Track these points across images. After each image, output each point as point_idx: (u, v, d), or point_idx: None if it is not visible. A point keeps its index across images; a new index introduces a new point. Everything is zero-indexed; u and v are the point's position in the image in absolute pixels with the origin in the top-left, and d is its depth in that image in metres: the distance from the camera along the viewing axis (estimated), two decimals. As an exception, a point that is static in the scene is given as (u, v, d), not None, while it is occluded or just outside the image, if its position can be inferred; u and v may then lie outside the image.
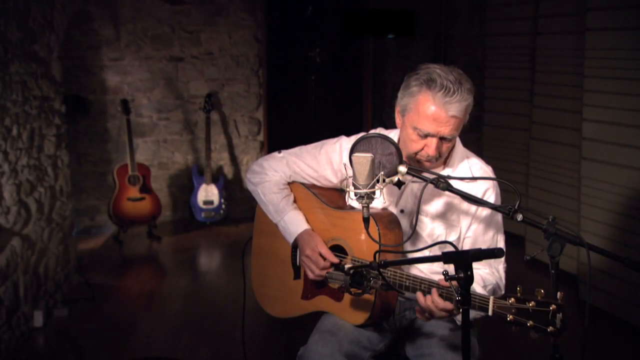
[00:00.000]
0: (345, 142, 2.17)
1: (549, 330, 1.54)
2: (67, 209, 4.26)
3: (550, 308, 1.54)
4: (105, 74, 5.69)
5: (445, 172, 2.03)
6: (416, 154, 1.95)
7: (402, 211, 2.08)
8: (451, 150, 2.04)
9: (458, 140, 2.06)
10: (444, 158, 2.00)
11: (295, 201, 2.26)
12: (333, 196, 2.24)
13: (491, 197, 2.01)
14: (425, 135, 1.91)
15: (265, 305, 2.37)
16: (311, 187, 2.25)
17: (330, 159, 2.18)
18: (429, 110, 1.87)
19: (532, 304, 1.57)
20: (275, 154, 2.29)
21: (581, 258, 4.01)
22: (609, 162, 3.68)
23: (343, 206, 2.20)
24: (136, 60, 5.73)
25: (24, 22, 3.59)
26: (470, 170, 2.04)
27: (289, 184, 2.29)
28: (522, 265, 4.40)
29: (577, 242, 1.66)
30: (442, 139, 1.91)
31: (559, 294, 1.56)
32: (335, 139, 2.21)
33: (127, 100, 5.43)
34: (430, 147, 1.91)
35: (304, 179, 2.25)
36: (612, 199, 3.68)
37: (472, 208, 2.02)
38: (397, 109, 2.00)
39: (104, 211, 5.72)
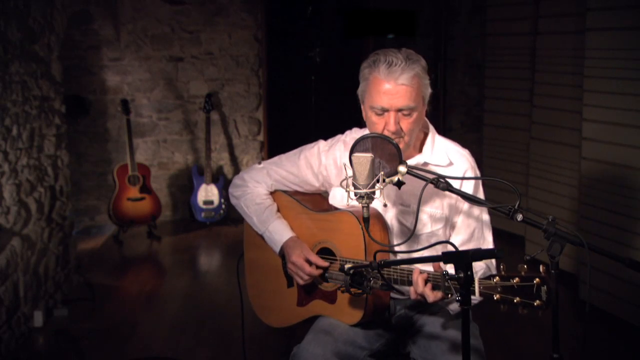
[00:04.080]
0: (322, 145, 2.20)
1: (535, 304, 1.56)
2: (67, 209, 4.26)
3: (535, 282, 1.55)
4: (105, 74, 5.69)
5: (421, 157, 2.05)
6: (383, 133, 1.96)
7: (385, 205, 2.09)
8: (425, 137, 2.08)
9: (432, 128, 2.10)
10: (411, 139, 1.99)
11: (278, 210, 2.27)
12: (316, 200, 2.25)
13: (470, 180, 2.03)
14: (383, 112, 1.93)
15: (264, 316, 2.37)
16: (294, 195, 2.26)
17: (310, 163, 2.19)
18: (378, 85, 1.92)
19: (516, 280, 1.58)
20: (256, 165, 2.32)
21: (581, 258, 4.01)
22: (609, 162, 3.68)
23: (327, 209, 2.21)
24: (136, 60, 5.74)
25: (24, 22, 3.59)
26: (447, 155, 2.06)
27: (271, 193, 2.30)
28: (522, 265, 4.39)
29: (577, 242, 1.66)
30: (399, 111, 1.92)
31: (541, 267, 1.58)
32: (313, 144, 2.23)
33: (127, 100, 5.43)
34: (389, 122, 1.93)
35: (285, 186, 2.27)
36: (612, 199, 3.68)
37: (453, 198, 2.04)
38: (360, 100, 2.03)
39: (104, 211, 5.72)
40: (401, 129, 1.94)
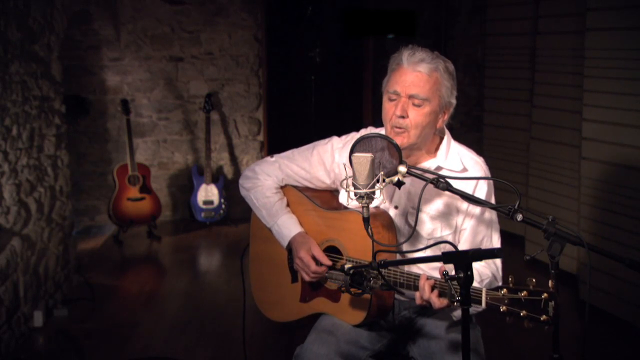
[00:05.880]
0: (336, 142, 2.19)
1: (542, 319, 1.56)
2: (67, 209, 4.26)
3: (542, 296, 1.55)
4: (105, 74, 5.69)
5: (435, 161, 2.05)
6: (390, 122, 1.97)
7: (396, 207, 2.09)
8: (440, 142, 2.07)
9: (448, 134, 2.09)
10: (418, 137, 1.96)
11: (288, 205, 2.26)
12: (326, 198, 2.25)
13: (483, 187, 2.02)
14: (395, 96, 1.95)
15: (266, 310, 2.37)
16: (304, 190, 2.25)
17: (323, 160, 2.19)
18: (398, 70, 1.96)
19: (524, 293, 1.58)
20: (268, 158, 2.31)
21: (581, 258, 4.01)
22: (609, 162, 3.68)
23: (337, 207, 2.21)
24: (136, 60, 5.74)
25: (24, 22, 3.59)
26: (461, 161, 2.06)
27: (282, 187, 2.29)
28: (522, 265, 4.40)
29: (577, 242, 1.66)
30: (410, 98, 1.93)
31: (550, 282, 1.57)
32: (327, 140, 2.22)
33: (127, 100, 5.43)
34: (397, 107, 1.94)
35: (296, 181, 2.26)
36: (612, 199, 3.68)
37: (465, 204, 2.02)
38: (382, 91, 2.05)
39: (104, 211, 5.72)
40: (408, 117, 1.93)
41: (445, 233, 2.05)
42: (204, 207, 5.66)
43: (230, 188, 5.95)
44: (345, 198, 1.85)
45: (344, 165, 1.85)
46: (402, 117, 1.93)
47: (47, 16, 3.92)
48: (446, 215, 2.05)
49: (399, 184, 1.83)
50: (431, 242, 2.04)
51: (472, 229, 2.05)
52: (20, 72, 3.52)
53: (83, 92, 5.63)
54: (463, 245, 2.06)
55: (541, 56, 4.49)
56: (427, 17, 6.15)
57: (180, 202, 6.00)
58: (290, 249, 2.19)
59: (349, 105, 6.72)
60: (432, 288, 1.78)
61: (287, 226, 2.19)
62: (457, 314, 2.00)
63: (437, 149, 2.08)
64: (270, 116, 6.23)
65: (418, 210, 1.86)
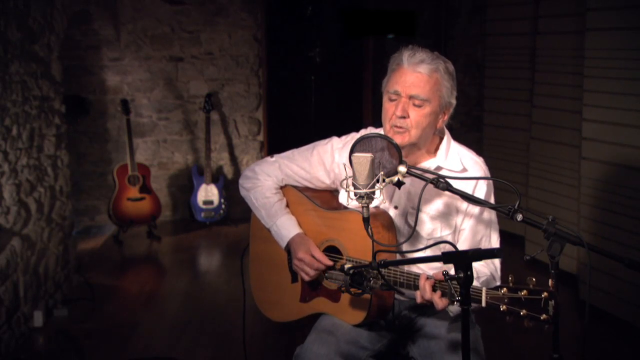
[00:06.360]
0: (336, 142, 2.19)
1: (542, 318, 1.56)
2: (67, 209, 4.26)
3: (542, 296, 1.56)
4: (105, 74, 5.69)
5: (435, 161, 2.05)
6: (390, 122, 1.97)
7: (396, 207, 2.09)
8: (440, 142, 2.07)
9: (448, 134, 2.10)
10: (419, 136, 1.97)
11: (287, 205, 2.27)
12: (326, 198, 2.25)
13: (482, 187, 2.03)
14: (396, 97, 1.96)
15: (266, 310, 2.38)
16: (304, 190, 2.26)
17: (322, 160, 2.19)
18: (398, 71, 1.97)
19: (524, 292, 1.58)
20: (268, 158, 2.31)
21: (581, 258, 4.01)
22: (609, 162, 3.68)
23: (337, 207, 2.21)
24: (136, 60, 5.74)
25: (24, 22, 3.59)
26: (461, 161, 2.06)
27: (281, 188, 2.29)
28: (522, 265, 4.40)
29: (577, 242, 1.66)
30: (411, 99, 1.93)
31: (550, 281, 1.58)
32: (327, 140, 2.23)
33: (127, 100, 5.43)
34: (397, 107, 1.94)
35: (296, 181, 2.26)
36: (612, 199, 3.68)
37: (464, 204, 2.03)
38: (382, 91, 2.05)
39: (104, 211, 5.72)
40: (409, 117, 1.93)
41: (445, 233, 2.05)
42: (204, 207, 5.66)
43: (230, 188, 5.95)
44: (345, 198, 1.85)
45: (344, 165, 1.85)
46: (403, 117, 1.94)
47: (47, 16, 3.92)
48: (446, 215, 2.05)
49: (399, 184, 1.83)
50: (431, 242, 2.04)
51: (471, 229, 2.06)
52: (20, 72, 3.52)
53: (83, 92, 5.63)
54: (462, 245, 2.06)
55: (541, 56, 4.49)
56: (427, 17, 6.16)
57: (180, 202, 6.00)
58: (289, 250, 2.20)
59: (349, 105, 6.71)
60: (434, 289, 1.78)
61: (286, 227, 2.19)
62: (453, 309, 2.00)
63: (437, 149, 2.08)
64: (270, 116, 6.23)
65: (418, 210, 1.86)
